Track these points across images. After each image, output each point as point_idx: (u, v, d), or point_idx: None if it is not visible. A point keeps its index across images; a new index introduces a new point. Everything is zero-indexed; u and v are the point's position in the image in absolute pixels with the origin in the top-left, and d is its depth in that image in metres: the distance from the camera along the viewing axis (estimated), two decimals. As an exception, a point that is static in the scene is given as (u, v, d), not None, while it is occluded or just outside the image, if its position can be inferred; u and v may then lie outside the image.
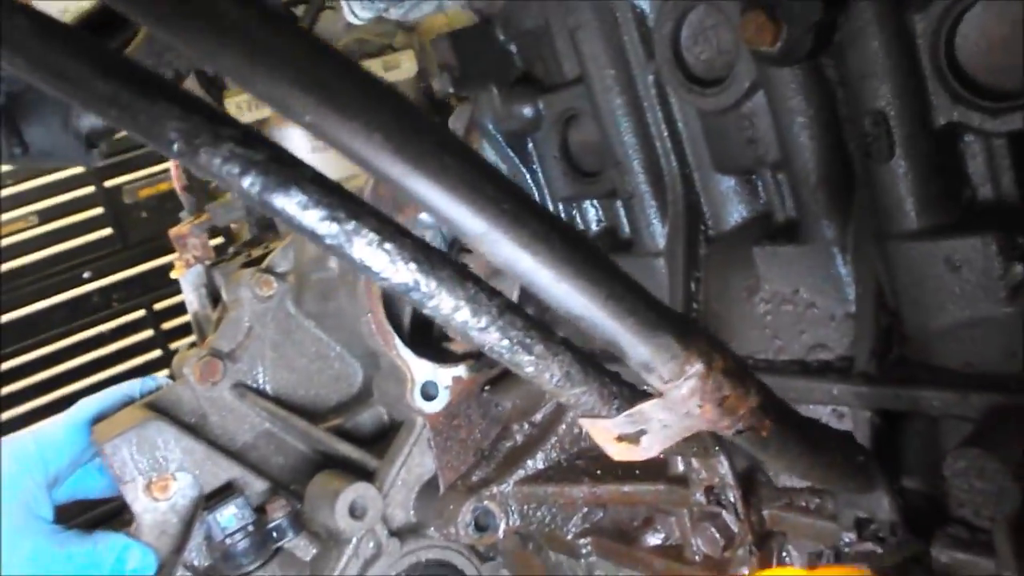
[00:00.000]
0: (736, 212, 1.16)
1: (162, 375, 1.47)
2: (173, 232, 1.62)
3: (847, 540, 0.91)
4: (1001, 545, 0.82)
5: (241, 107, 5.22)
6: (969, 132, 0.89)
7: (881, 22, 0.88)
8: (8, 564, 1.18)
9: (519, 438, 1.34)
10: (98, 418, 1.40)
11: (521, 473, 1.29)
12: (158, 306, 4.35)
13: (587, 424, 0.79)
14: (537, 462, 1.30)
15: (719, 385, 0.71)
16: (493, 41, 1.33)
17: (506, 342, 0.72)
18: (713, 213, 1.17)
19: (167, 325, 4.28)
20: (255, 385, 1.48)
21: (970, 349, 0.89)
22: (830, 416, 1.02)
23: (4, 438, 1.31)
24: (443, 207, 0.62)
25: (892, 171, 0.90)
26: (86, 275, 4.18)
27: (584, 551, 1.30)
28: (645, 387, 0.74)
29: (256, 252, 1.60)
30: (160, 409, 1.40)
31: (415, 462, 1.36)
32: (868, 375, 0.94)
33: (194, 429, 1.41)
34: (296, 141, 4.74)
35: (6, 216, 4.00)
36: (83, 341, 4.06)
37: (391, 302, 1.51)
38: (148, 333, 4.27)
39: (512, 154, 1.38)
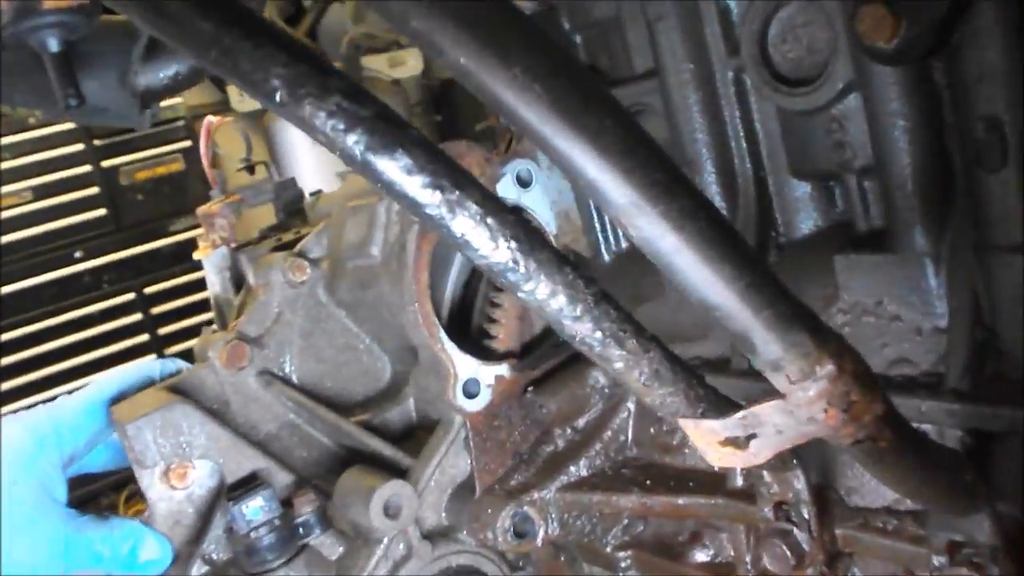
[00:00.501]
0: (810, 219, 1.12)
1: (170, 360, 1.40)
2: (201, 210, 1.55)
3: (937, 564, 0.86)
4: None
5: (244, 95, 5.11)
6: (1085, 144, 0.85)
7: (1002, 23, 0.84)
8: (24, 547, 1.10)
9: (560, 443, 1.28)
10: (117, 398, 1.33)
11: (563, 480, 1.23)
12: (148, 290, 4.27)
13: (689, 426, 0.74)
14: (580, 469, 1.24)
15: (848, 390, 0.67)
16: (558, 30, 1.28)
17: (599, 334, 0.67)
18: (785, 220, 1.13)
19: (156, 310, 4.19)
20: (281, 373, 1.41)
21: (1076, 370, 0.86)
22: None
23: (18, 414, 1.24)
24: (592, 170, 0.57)
25: (1003, 180, 0.87)
26: (78, 255, 4.08)
27: (623, 565, 1.25)
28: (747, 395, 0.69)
29: (287, 237, 1.54)
30: (182, 392, 1.33)
31: (449, 463, 1.30)
32: (960, 392, 0.90)
33: (216, 415, 1.34)
34: (295, 133, 4.66)
35: (2, 190, 3.90)
36: (71, 321, 3.96)
37: (435, 299, 1.46)
38: (137, 316, 4.18)
39: (568, 149, 1.33)
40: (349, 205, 1.40)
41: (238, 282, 1.63)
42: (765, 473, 1.00)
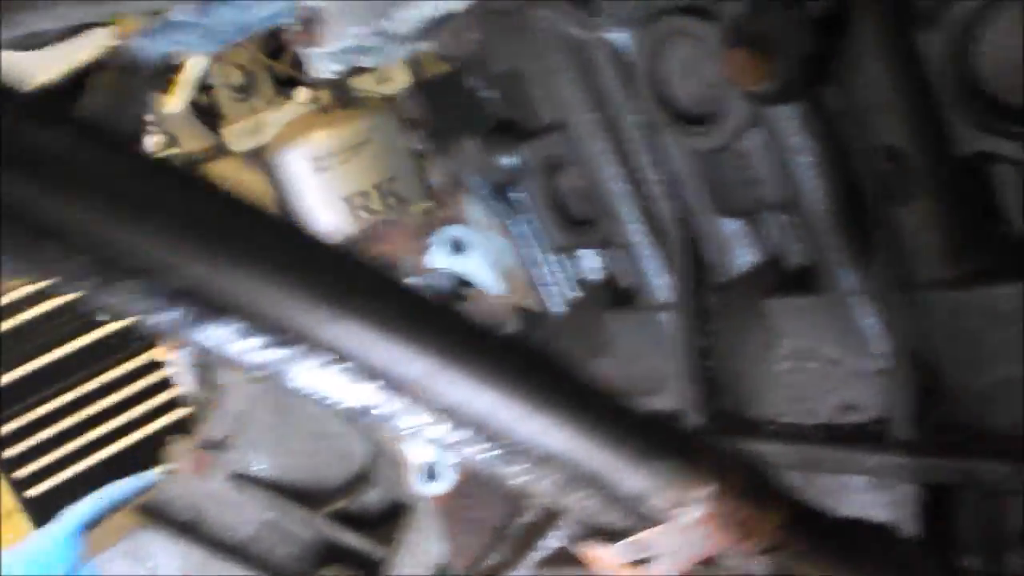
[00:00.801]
0: (743, 257, 1.04)
1: (135, 479, 1.39)
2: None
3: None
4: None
5: (239, 135, 5.16)
6: (999, 162, 0.77)
7: (884, 45, 0.77)
8: None
9: (536, 514, 1.24)
10: (90, 524, 1.32)
11: (536, 556, 1.19)
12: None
13: (586, 553, 0.69)
14: (555, 540, 1.19)
15: (734, 508, 0.61)
16: (468, 89, 1.23)
17: (498, 454, 0.62)
18: (719, 260, 1.06)
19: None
20: (252, 473, 1.39)
21: (1020, 409, 0.77)
22: (869, 488, 0.90)
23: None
24: (377, 351, 0.52)
25: (914, 212, 0.79)
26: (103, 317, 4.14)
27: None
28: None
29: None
30: (153, 510, 1.32)
31: (423, 549, 1.26)
32: (906, 443, 0.83)
33: (191, 527, 1.33)
34: (299, 164, 4.64)
35: None
36: (105, 384, 4.03)
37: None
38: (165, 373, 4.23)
39: (500, 206, 1.27)
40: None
41: (209, 378, 1.61)
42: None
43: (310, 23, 1.15)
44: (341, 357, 0.55)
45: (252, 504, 1.37)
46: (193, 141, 5.07)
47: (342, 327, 0.52)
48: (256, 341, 0.55)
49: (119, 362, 4.05)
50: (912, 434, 0.83)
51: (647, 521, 0.63)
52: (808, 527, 0.65)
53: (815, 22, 0.75)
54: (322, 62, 1.30)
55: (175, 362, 1.61)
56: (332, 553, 1.33)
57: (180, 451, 1.35)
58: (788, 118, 0.85)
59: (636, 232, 1.09)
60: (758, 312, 0.98)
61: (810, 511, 0.66)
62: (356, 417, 0.60)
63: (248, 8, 1.21)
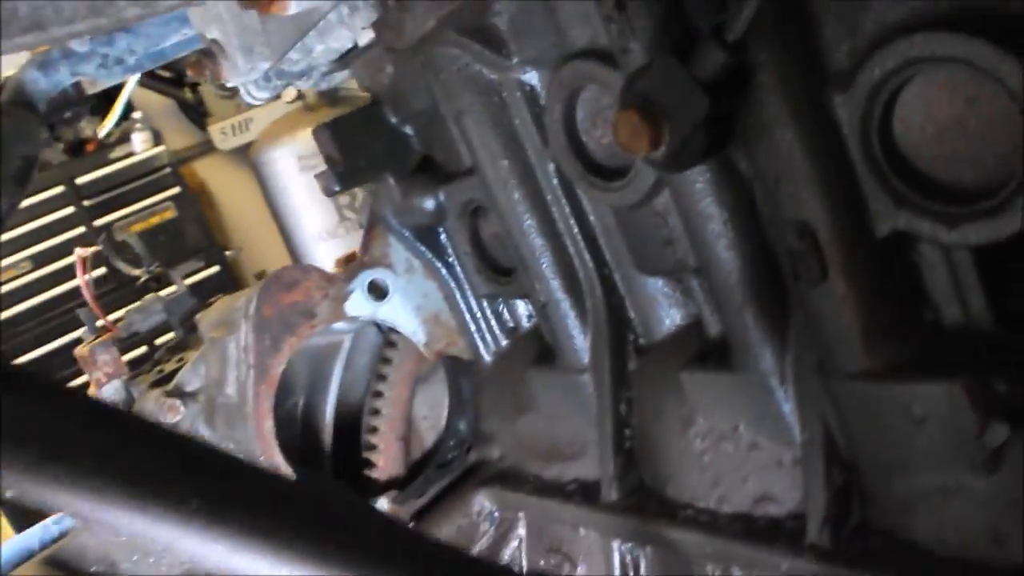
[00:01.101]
0: (667, 318, 0.96)
1: (52, 523, 1.32)
2: (77, 353, 1.47)
3: None
4: None
5: (225, 132, 5.04)
6: (920, 241, 0.68)
7: (793, 110, 0.67)
8: None
9: None
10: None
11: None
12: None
13: None
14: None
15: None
16: (385, 124, 1.14)
17: None
18: (641, 320, 0.98)
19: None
20: (169, 523, 1.31)
21: (946, 524, 0.68)
22: (786, 587, 0.81)
23: None
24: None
25: (828, 295, 0.70)
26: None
27: None
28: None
29: (170, 366, 1.44)
30: (61, 562, 1.25)
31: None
32: (821, 549, 0.74)
33: (100, 581, 1.25)
34: (285, 162, 4.54)
35: (2, 263, 3.93)
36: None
37: (311, 416, 1.34)
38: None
39: (424, 248, 1.19)
40: (211, 335, 1.29)
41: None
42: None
43: (212, 57, 1.07)
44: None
45: (167, 556, 1.29)
46: (179, 138, 4.96)
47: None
48: None
49: None
50: (827, 539, 0.74)
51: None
52: None
53: (713, 83, 0.66)
54: (251, 87, 1.22)
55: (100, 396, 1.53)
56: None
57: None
58: (694, 183, 0.76)
59: (555, 289, 1.00)
60: (676, 383, 0.89)
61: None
62: None
63: (154, 38, 1.13)
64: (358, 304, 1.18)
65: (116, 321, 1.57)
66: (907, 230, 0.66)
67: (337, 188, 1.11)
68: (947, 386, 0.65)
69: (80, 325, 4.19)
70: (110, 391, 1.53)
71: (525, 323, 1.19)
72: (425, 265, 1.21)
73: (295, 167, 4.18)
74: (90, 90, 1.22)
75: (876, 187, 0.67)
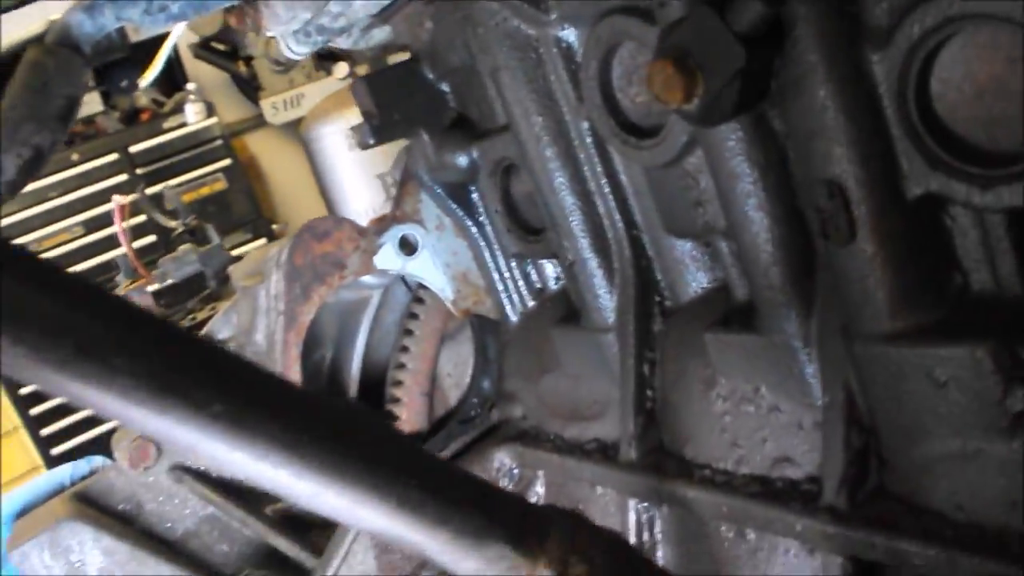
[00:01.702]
0: (695, 281, 0.96)
1: (84, 462, 1.36)
2: (113, 296, 1.50)
3: None
4: None
5: (277, 107, 5.09)
6: (956, 204, 0.67)
7: (829, 66, 0.67)
8: None
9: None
10: (25, 510, 1.29)
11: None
12: (202, 314, 4.32)
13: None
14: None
15: (581, 593, 0.53)
16: (422, 80, 1.15)
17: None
18: (669, 282, 0.98)
19: (213, 329, 4.27)
20: (195, 467, 1.34)
21: (964, 490, 0.68)
22: (800, 550, 0.81)
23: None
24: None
25: (855, 255, 0.70)
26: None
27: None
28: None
29: (202, 315, 1.47)
30: (90, 499, 1.29)
31: (357, 560, 1.20)
32: (837, 511, 0.74)
33: (128, 518, 1.29)
34: (334, 138, 4.57)
35: (53, 228, 4.02)
36: None
37: (337, 369, 1.36)
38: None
39: (455, 206, 1.20)
40: (243, 284, 1.31)
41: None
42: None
43: (254, 4, 1.08)
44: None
45: (192, 498, 1.32)
46: (232, 112, 5.02)
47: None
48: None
49: None
50: (843, 502, 0.74)
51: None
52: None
53: (750, 35, 0.66)
54: (289, 40, 1.23)
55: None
56: (268, 555, 1.29)
57: (122, 441, 1.31)
58: (726, 140, 0.76)
59: (583, 248, 1.01)
60: (701, 344, 0.89)
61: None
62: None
63: (198, -15, 1.14)
64: (388, 258, 1.19)
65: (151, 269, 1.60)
66: (940, 192, 0.66)
67: (371, 141, 1.12)
68: (972, 350, 0.65)
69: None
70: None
71: (552, 285, 1.20)
72: (455, 223, 1.21)
73: (344, 144, 4.21)
74: (133, 37, 1.24)
75: (910, 147, 0.66)
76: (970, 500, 0.68)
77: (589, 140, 0.96)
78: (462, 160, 1.14)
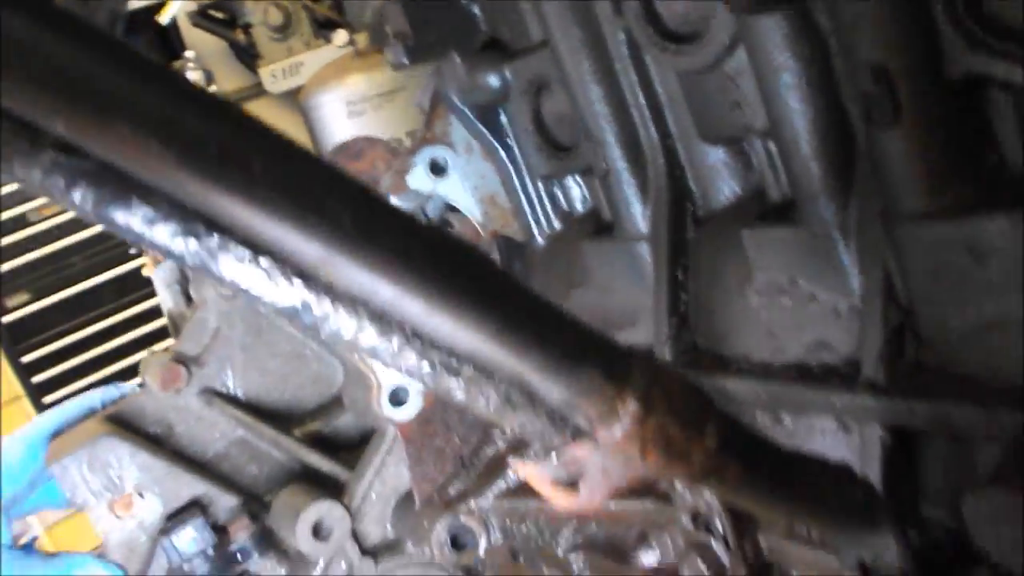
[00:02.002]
0: (727, 188, 0.99)
1: (113, 387, 1.38)
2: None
3: (851, 584, 0.76)
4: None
5: (276, 75, 5.09)
6: (993, 85, 0.71)
7: (877, -47, 0.70)
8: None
9: (501, 444, 1.21)
10: (58, 433, 1.32)
11: (502, 485, 1.16)
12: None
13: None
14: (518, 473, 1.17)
15: (663, 427, 0.57)
16: (453, 2, 1.17)
17: (426, 365, 0.58)
18: (701, 190, 1.01)
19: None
20: (224, 390, 1.37)
21: (999, 355, 0.73)
22: (837, 429, 0.86)
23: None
24: (272, 228, 0.48)
25: (898, 137, 0.74)
26: (133, 251, 4.12)
27: (575, 568, 1.17)
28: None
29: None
30: (122, 421, 1.31)
31: (390, 473, 1.24)
32: (875, 385, 0.79)
33: (159, 441, 1.32)
34: (333, 106, 4.57)
35: None
36: (136, 316, 4.03)
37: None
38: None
39: (484, 129, 1.23)
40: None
41: (191, 294, 1.59)
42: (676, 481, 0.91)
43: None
44: (262, 250, 0.52)
45: (222, 421, 1.35)
46: (231, 80, 5.01)
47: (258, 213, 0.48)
48: (177, 227, 0.51)
49: (148, 296, 4.05)
50: (882, 376, 0.78)
51: (577, 438, 0.60)
52: (746, 453, 0.61)
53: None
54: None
55: (155, 278, 1.59)
56: (300, 475, 1.32)
57: (153, 364, 1.33)
58: (772, 32, 0.80)
59: (617, 158, 1.04)
60: (736, 244, 0.93)
61: (753, 437, 0.63)
62: (290, 318, 0.57)
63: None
64: (420, 178, 1.22)
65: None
66: (980, 72, 0.70)
67: (406, 62, 1.14)
68: (1009, 218, 0.69)
69: (129, 259, 4.20)
70: (165, 270, 1.59)
71: (579, 207, 1.23)
72: (484, 146, 1.24)
73: (343, 112, 4.18)
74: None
75: (951, 30, 0.70)
76: (1006, 365, 0.72)
77: (625, 51, 0.99)
78: (494, 81, 1.16)
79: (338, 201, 0.48)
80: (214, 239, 0.51)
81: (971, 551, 0.76)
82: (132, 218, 0.51)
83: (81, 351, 3.89)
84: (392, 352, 0.56)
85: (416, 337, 0.56)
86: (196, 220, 0.51)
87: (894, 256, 0.78)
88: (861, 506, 0.69)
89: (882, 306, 0.79)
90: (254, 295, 0.54)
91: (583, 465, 0.61)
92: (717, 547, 0.88)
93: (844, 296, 0.85)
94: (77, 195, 0.51)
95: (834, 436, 0.86)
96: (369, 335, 0.55)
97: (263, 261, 0.52)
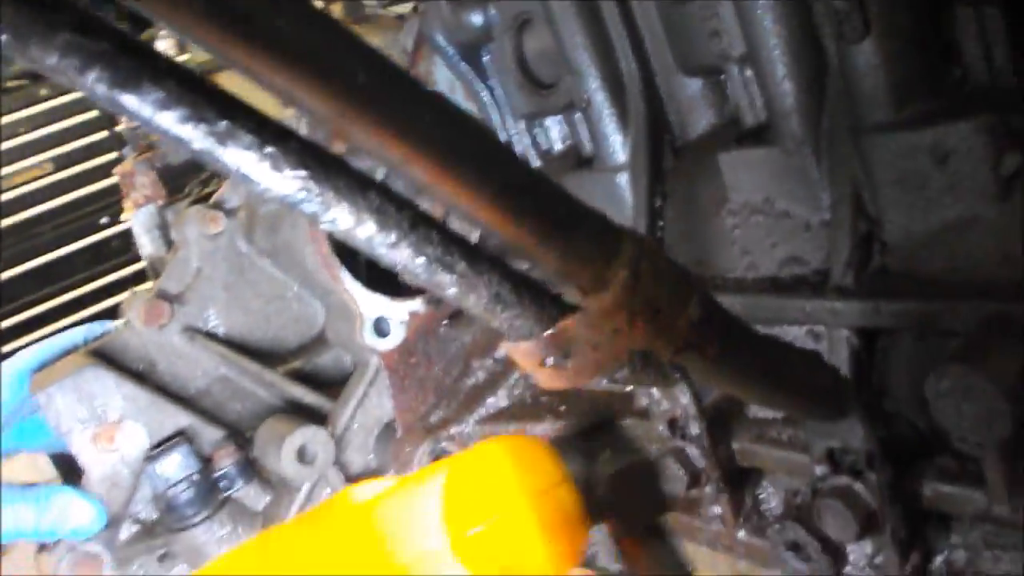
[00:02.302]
0: (703, 119, 1.04)
1: (97, 324, 1.39)
2: (118, 170, 1.52)
3: (819, 473, 0.81)
4: (991, 475, 0.72)
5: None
6: (959, 1, 0.76)
7: None
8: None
9: (481, 375, 1.25)
10: (40, 368, 1.32)
11: (482, 412, 1.20)
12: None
13: (511, 350, 0.70)
14: (499, 399, 1.21)
15: (649, 294, 0.61)
16: (438, -58, 1.20)
17: (421, 260, 0.61)
18: (679, 121, 1.06)
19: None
20: (206, 328, 1.39)
21: (959, 254, 0.78)
22: (806, 337, 0.91)
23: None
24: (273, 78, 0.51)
25: (867, 52, 0.78)
26: (103, 220, 4.08)
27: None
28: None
29: (210, 188, 1.51)
30: (105, 356, 1.32)
31: (373, 403, 1.27)
32: (844, 289, 0.83)
33: (142, 376, 1.33)
34: None
35: (22, 164, 3.92)
36: (106, 286, 3.99)
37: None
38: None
39: (467, 69, 1.26)
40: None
41: (171, 240, 1.60)
42: (654, 390, 0.95)
43: None
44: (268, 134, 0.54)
45: (205, 358, 1.37)
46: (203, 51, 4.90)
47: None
48: (186, 112, 0.54)
49: (119, 266, 4.01)
50: (850, 281, 0.83)
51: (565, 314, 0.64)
52: (728, 331, 0.65)
53: None
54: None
55: (134, 223, 1.60)
56: (285, 410, 1.34)
57: (136, 301, 1.34)
58: (752, -45, 0.84)
59: (598, 90, 1.08)
60: (712, 169, 0.98)
61: (731, 317, 0.67)
62: (291, 207, 0.60)
63: None
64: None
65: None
66: (945, -13, 0.74)
67: (380, 10, 1.16)
68: (969, 123, 0.74)
69: (99, 229, 4.13)
70: (144, 215, 1.60)
71: (559, 146, 1.27)
72: (466, 87, 1.27)
73: None
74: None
75: (920, -53, 0.75)
76: (966, 262, 0.77)
77: (608, -15, 1.03)
78: (478, 19, 1.20)
79: (353, 59, 0.50)
80: (222, 125, 0.54)
81: (933, 441, 0.81)
82: (144, 102, 0.53)
83: (52, 321, 3.85)
84: (388, 244, 0.59)
85: (414, 231, 0.59)
86: (206, 106, 0.53)
87: (862, 168, 0.83)
88: (830, 391, 0.74)
89: (851, 217, 0.84)
90: (256, 182, 0.56)
91: (571, 340, 0.65)
92: (692, 452, 0.92)
93: (815, 211, 0.90)
94: (91, 77, 0.53)
95: (804, 344, 0.90)
96: (367, 228, 0.58)
97: (268, 149, 0.55)
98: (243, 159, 0.56)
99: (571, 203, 0.60)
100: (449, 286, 0.63)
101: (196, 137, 0.55)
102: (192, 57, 4.35)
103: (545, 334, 0.66)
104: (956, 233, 0.78)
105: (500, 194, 0.56)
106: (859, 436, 0.77)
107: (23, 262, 3.87)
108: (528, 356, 0.68)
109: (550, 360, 0.68)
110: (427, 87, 0.56)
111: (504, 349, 0.70)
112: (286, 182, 0.57)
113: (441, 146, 0.54)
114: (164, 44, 4.23)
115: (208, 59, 4.62)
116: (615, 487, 0.94)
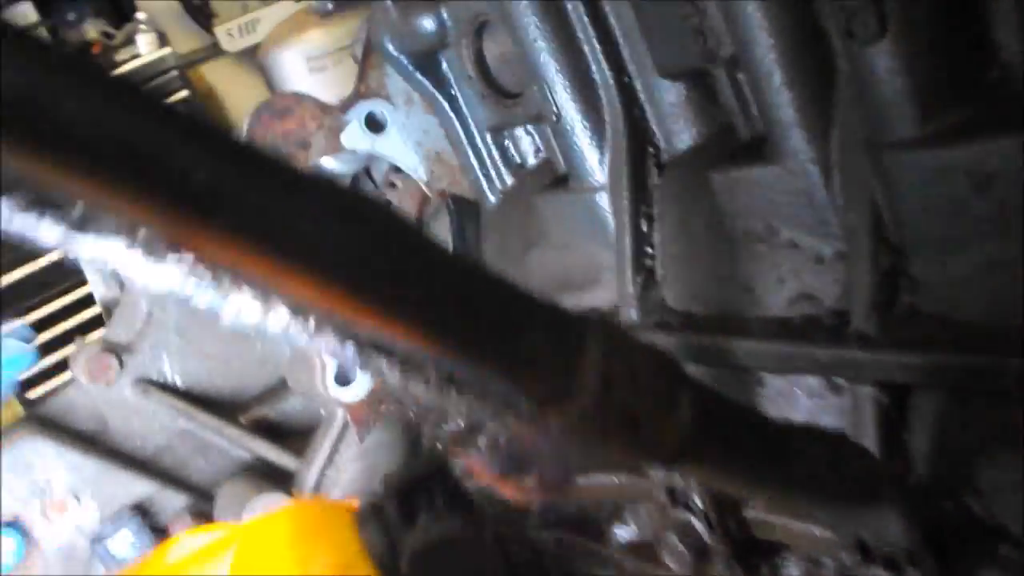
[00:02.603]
0: (692, 128, 0.90)
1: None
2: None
3: (848, 562, 0.68)
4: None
5: (232, 34, 4.88)
6: (992, -12, 0.62)
7: None
8: None
9: (461, 421, 1.11)
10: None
11: (464, 464, 1.07)
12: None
13: (462, 457, 0.57)
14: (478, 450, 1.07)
15: (626, 404, 0.48)
16: (381, -63, 1.06)
17: (350, 345, 0.48)
18: (663, 131, 0.92)
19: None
20: (161, 379, 1.27)
21: (1005, 297, 0.64)
22: (824, 390, 0.77)
23: None
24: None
25: (884, 53, 0.64)
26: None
27: (547, 546, 1.09)
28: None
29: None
30: (49, 419, 1.20)
31: (344, 457, 1.15)
32: (866, 337, 0.70)
33: (92, 440, 1.21)
34: (294, 64, 4.39)
35: None
36: (63, 309, 3.87)
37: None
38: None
39: (423, 79, 1.12)
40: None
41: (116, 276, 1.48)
42: (649, 456, 0.82)
43: None
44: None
45: (162, 412, 1.25)
46: (185, 41, 4.78)
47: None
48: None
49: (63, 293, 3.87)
50: (872, 326, 0.70)
51: (524, 424, 0.51)
52: (726, 429, 0.52)
53: None
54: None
55: (83, 264, 1.47)
56: (247, 468, 1.22)
57: (80, 356, 1.22)
58: (736, -59, 0.69)
59: (568, 100, 0.94)
60: (704, 188, 0.84)
61: (731, 408, 0.54)
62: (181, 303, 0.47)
63: None
64: (355, 136, 1.11)
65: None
66: (977, -28, 0.60)
67: (330, 7, 1.03)
68: (1014, 140, 0.60)
69: (51, 250, 4.04)
70: (92, 253, 1.47)
71: (532, 160, 1.13)
72: (425, 98, 1.13)
73: (304, 68, 4.01)
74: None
75: (944, -77, 0.60)
76: (1012, 307, 0.64)
77: (573, -20, 0.89)
78: (430, 23, 1.05)
79: (188, 152, 0.37)
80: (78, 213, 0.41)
81: (980, 521, 0.68)
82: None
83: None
84: (309, 332, 0.46)
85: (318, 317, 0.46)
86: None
87: (883, 190, 0.69)
88: (859, 480, 0.60)
89: (871, 248, 0.70)
90: (132, 278, 0.43)
91: (533, 452, 0.52)
92: (697, 524, 0.80)
93: (827, 240, 0.76)
94: None
95: (821, 397, 0.77)
96: (279, 315, 0.45)
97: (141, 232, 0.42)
98: (108, 249, 0.43)
99: (514, 298, 0.46)
100: (388, 373, 0.50)
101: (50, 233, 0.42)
102: (174, 50, 4.22)
103: (493, 449, 0.53)
104: (1000, 272, 0.64)
105: (413, 304, 0.43)
106: (896, 529, 0.64)
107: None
108: (482, 467, 0.56)
109: (509, 472, 0.55)
110: (310, 174, 0.43)
111: (457, 456, 0.58)
112: (168, 271, 0.44)
113: (325, 255, 0.41)
114: (144, 39, 4.10)
115: (190, 51, 4.46)
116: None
